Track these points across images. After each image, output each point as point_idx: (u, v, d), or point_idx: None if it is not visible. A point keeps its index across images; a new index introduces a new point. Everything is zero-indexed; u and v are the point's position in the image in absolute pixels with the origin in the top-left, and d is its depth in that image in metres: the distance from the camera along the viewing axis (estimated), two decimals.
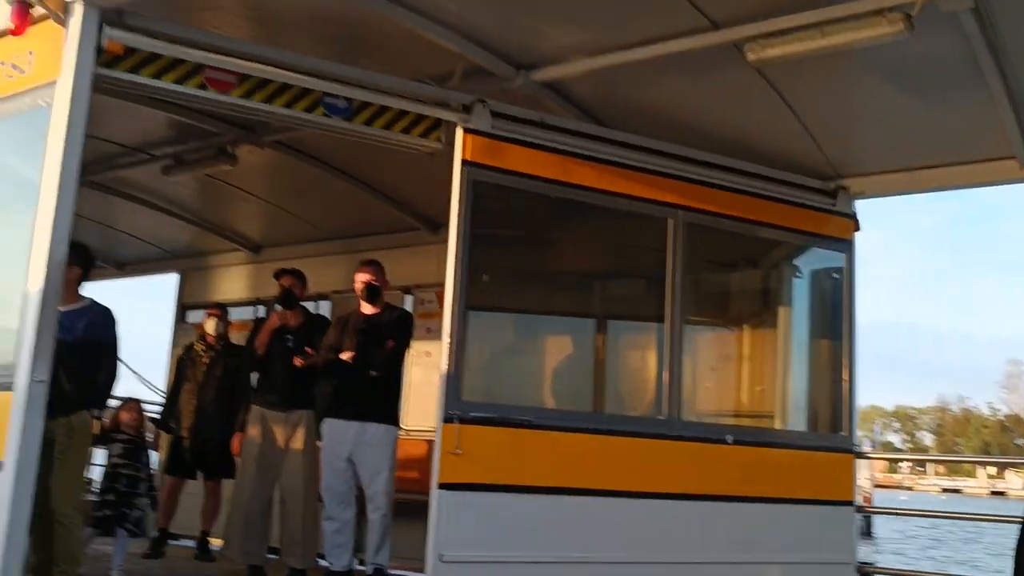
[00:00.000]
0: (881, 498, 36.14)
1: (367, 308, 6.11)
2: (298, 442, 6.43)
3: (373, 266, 6.14)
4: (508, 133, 4.97)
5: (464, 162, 4.85)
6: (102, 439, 6.39)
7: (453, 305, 4.75)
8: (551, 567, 4.61)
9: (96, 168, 7.44)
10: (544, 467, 4.69)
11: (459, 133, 4.88)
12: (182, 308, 9.72)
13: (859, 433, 6.06)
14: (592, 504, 4.68)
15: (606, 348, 5.66)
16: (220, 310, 7.61)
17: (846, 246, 6.13)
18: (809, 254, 6.27)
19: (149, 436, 6.67)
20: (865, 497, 23.07)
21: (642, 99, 5.61)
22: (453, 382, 4.68)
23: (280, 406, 6.43)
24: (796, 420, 6.19)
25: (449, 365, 4.70)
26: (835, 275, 6.13)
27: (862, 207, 6.20)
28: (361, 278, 6.10)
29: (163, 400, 7.85)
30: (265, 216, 8.61)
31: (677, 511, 4.96)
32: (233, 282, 9.25)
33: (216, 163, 6.76)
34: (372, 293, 6.07)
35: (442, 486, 4.59)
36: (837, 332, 6.05)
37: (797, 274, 6.32)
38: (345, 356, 6.04)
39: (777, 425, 6.19)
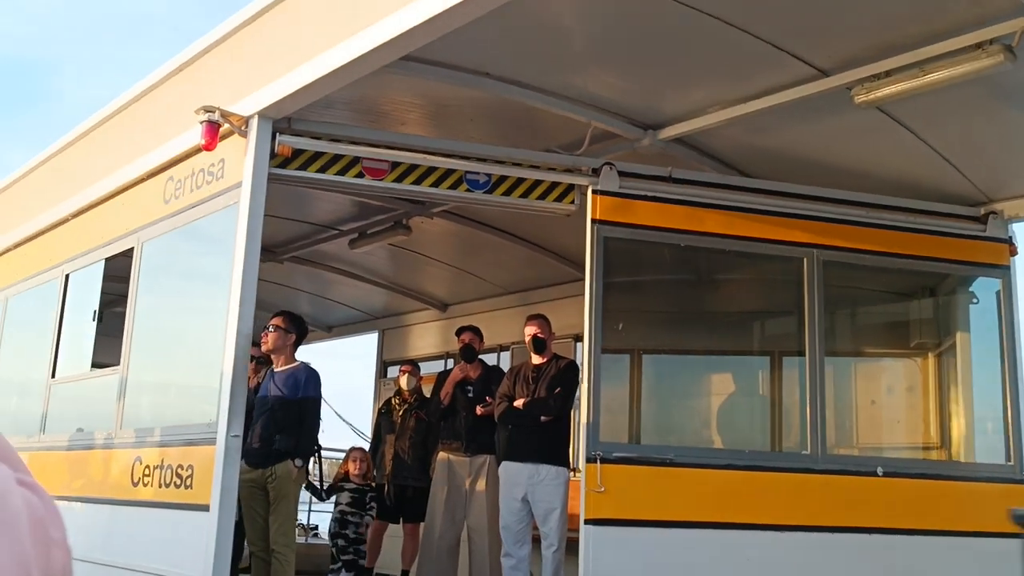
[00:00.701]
0: None
1: (536, 359, 6.60)
2: (481, 484, 6.99)
3: (539, 320, 6.63)
4: (635, 190, 5.36)
5: (594, 221, 5.28)
6: (332, 489, 7.23)
7: (590, 355, 5.16)
8: None
9: (297, 246, 8.43)
10: (685, 503, 4.97)
11: (589, 195, 5.32)
12: (383, 364, 10.61)
13: None
14: (731, 537, 4.90)
15: (751, 386, 5.84)
16: (412, 366, 8.33)
17: (1002, 271, 6.02)
18: (963, 281, 6.20)
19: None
20: None
21: (771, 145, 5.84)
22: (593, 425, 5.07)
23: (464, 451, 7.04)
24: (961, 450, 6.09)
25: (589, 409, 5.10)
26: (990, 300, 6.03)
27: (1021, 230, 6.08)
28: (528, 331, 6.61)
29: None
30: (447, 276, 9.34)
31: (821, 544, 5.07)
32: (425, 338, 10.03)
33: (394, 234, 7.52)
34: (538, 345, 6.56)
35: (588, 522, 4.97)
36: (999, 358, 5.93)
37: (973, 300, 6.23)
38: (517, 404, 6.56)
39: (942, 455, 6.12)
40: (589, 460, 5.05)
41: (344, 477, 6.99)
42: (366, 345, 11.38)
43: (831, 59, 4.80)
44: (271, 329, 5.81)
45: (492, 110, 5.59)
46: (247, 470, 5.37)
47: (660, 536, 4.96)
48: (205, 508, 4.60)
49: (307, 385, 5.84)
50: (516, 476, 6.41)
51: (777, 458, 5.40)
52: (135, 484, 5.30)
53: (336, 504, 7.01)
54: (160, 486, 5.09)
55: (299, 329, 5.92)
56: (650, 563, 4.93)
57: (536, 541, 6.36)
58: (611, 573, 4.92)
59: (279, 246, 8.56)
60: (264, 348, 5.91)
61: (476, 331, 7.30)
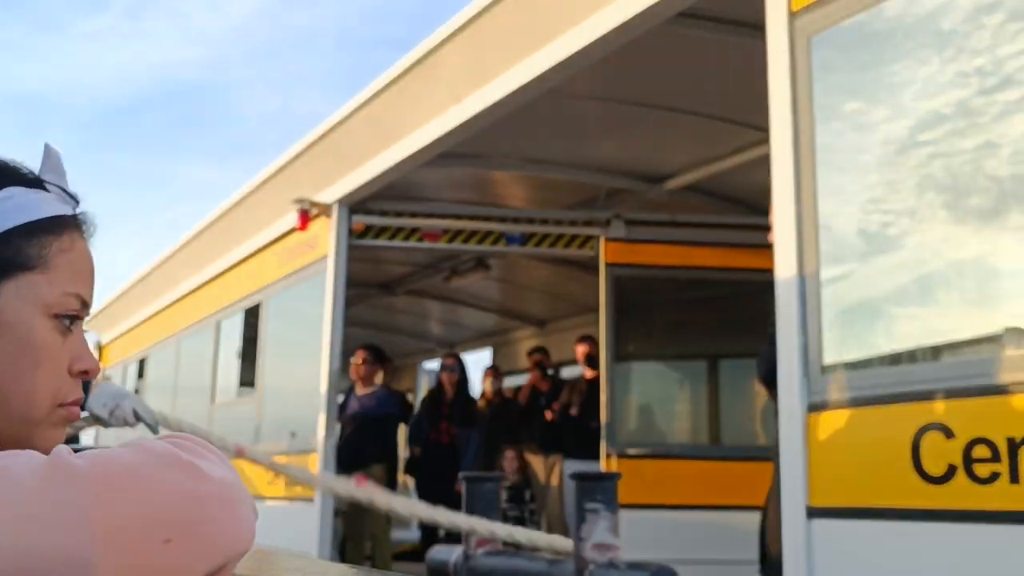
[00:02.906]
0: None
1: (588, 373, 7.93)
2: (555, 477, 8.37)
3: (588, 340, 7.96)
4: (640, 235, 6.61)
5: (607, 264, 6.57)
6: None
7: (607, 371, 6.45)
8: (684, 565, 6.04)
9: (407, 282, 10.03)
10: (679, 489, 6.18)
11: (601, 243, 6.61)
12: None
13: None
14: (715, 516, 6.06)
15: (736, 386, 6.87)
16: (494, 370, 9.76)
17: None
18: None
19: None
20: None
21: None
22: (609, 424, 6.36)
23: (539, 450, 8.44)
24: None
25: (607, 414, 6.39)
26: None
27: None
28: (580, 351, 7.96)
29: None
30: (540, 298, 10.73)
31: None
32: (525, 352, 11.43)
33: (478, 271, 8.98)
34: (590, 362, 7.88)
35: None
36: None
37: None
38: (573, 411, 7.92)
39: None
40: (607, 456, 6.35)
41: (501, 476, 7.76)
42: (482, 359, 12.88)
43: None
44: (360, 361, 7.38)
45: (522, 180, 6.97)
46: (340, 472, 6.94)
47: (659, 515, 6.19)
48: (311, 500, 6.19)
49: (387, 404, 7.39)
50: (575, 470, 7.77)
51: (747, 450, 6.44)
52: (269, 483, 6.98)
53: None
54: (286, 485, 6.73)
55: (378, 358, 7.48)
56: (652, 536, 6.16)
57: None
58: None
59: (394, 282, 10.18)
60: (354, 377, 7.48)
61: (545, 352, 8.71)
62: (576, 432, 7.86)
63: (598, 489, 1.77)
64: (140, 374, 11.14)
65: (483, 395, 9.49)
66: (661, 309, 6.81)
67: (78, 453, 0.75)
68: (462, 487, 7.88)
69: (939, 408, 2.71)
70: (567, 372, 10.41)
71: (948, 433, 2.65)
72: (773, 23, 3.34)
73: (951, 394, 2.68)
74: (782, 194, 3.19)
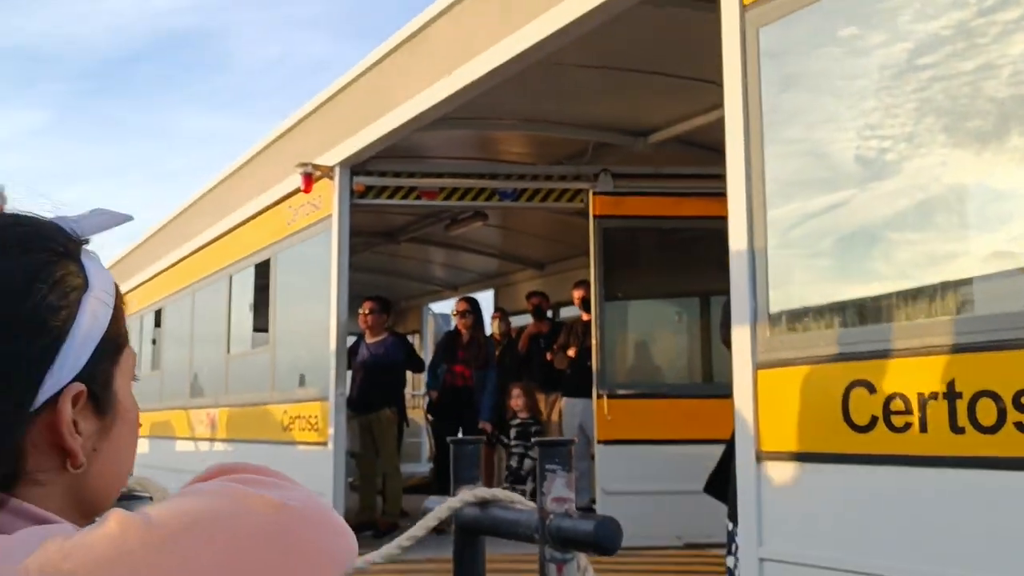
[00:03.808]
0: None
1: (584, 316, 8.36)
2: (556, 415, 8.87)
3: (585, 285, 8.37)
4: (626, 188, 6.97)
5: (595, 217, 6.95)
6: (502, 426, 8.26)
7: (598, 316, 6.88)
8: (668, 496, 6.55)
9: (410, 230, 10.41)
10: (665, 425, 6.66)
11: (590, 196, 6.98)
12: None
13: None
14: (697, 450, 6.53)
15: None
16: (501, 312, 10.21)
17: None
18: None
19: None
20: None
21: None
22: (601, 368, 6.82)
23: (540, 389, 8.91)
24: None
25: (598, 356, 6.84)
26: None
27: None
28: (576, 295, 8.39)
29: None
30: (539, 242, 11.12)
31: None
32: (526, 293, 11.86)
33: (476, 220, 9.36)
34: (586, 305, 8.31)
35: (599, 442, 6.76)
36: None
37: None
38: (570, 353, 8.38)
39: None
40: (598, 397, 6.82)
41: (512, 415, 7.89)
42: (485, 300, 13.31)
43: None
44: (367, 312, 7.82)
45: (515, 137, 7.32)
46: (352, 415, 7.44)
47: (647, 451, 6.68)
48: (325, 444, 6.69)
49: (395, 351, 7.85)
50: (573, 408, 8.25)
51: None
52: (284, 429, 7.48)
53: (508, 441, 7.90)
54: (300, 430, 7.23)
55: (384, 308, 7.92)
56: (640, 471, 6.66)
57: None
58: (615, 479, 6.70)
59: (397, 231, 10.57)
60: (363, 326, 7.93)
61: (543, 295, 9.13)
62: (574, 372, 8.33)
63: (555, 453, 2.19)
64: (156, 323, 11.63)
65: (491, 335, 9.93)
66: (648, 257, 7.21)
67: (140, 506, 0.76)
68: (487, 426, 8.19)
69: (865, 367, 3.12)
70: (565, 312, 10.84)
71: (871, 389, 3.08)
72: None
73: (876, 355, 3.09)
74: (735, 181, 3.56)
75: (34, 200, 0.93)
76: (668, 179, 7.05)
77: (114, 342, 0.87)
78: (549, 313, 9.78)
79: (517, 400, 8.09)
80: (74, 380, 0.81)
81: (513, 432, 7.85)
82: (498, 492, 2.36)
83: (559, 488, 2.18)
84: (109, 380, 0.86)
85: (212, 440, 9.00)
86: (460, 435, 8.35)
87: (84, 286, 0.84)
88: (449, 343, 8.77)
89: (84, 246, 0.88)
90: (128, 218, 0.97)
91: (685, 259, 7.06)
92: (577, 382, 8.15)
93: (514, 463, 7.92)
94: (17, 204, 0.92)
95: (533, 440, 7.82)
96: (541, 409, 8.88)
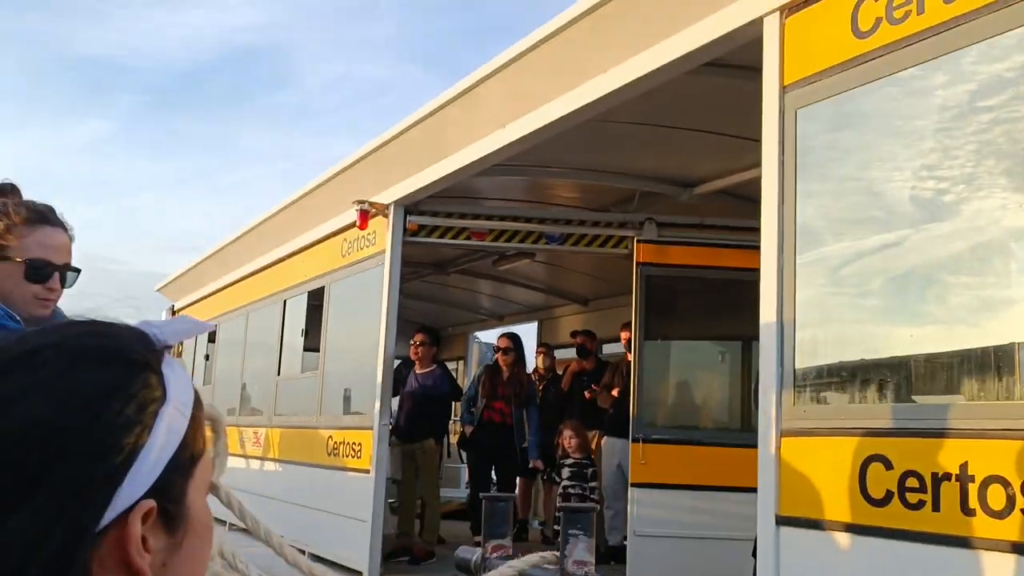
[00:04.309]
0: None
1: (629, 356, 8.52)
2: (594, 453, 9.03)
3: (631, 326, 8.54)
4: (670, 238, 7.16)
5: (638, 264, 7.13)
6: (554, 464, 8.33)
7: (637, 361, 7.05)
8: (698, 541, 6.67)
9: (459, 263, 10.67)
10: (698, 471, 6.80)
11: (635, 244, 7.18)
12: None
13: None
14: (729, 497, 6.66)
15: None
16: (546, 348, 10.41)
17: None
18: None
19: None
20: None
21: None
22: (639, 412, 6.98)
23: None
24: None
25: (635, 401, 7.01)
26: None
27: None
28: (624, 336, 8.56)
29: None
30: (584, 279, 11.32)
31: None
32: (571, 326, 12.06)
33: (523, 258, 9.59)
34: (630, 346, 8.47)
35: (633, 485, 6.91)
36: None
37: None
38: (614, 392, 8.54)
39: None
40: (634, 440, 6.98)
41: (565, 454, 7.96)
42: (529, 332, 13.52)
43: None
44: (418, 343, 8.09)
45: (565, 183, 7.55)
46: (397, 443, 7.68)
47: (679, 496, 6.81)
48: (367, 471, 6.93)
49: (442, 383, 8.09)
50: (613, 447, 8.40)
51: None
52: (329, 454, 7.74)
53: (560, 480, 7.91)
54: (343, 456, 7.49)
55: (433, 339, 8.17)
56: (670, 515, 6.78)
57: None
58: (647, 521, 6.85)
59: (447, 263, 10.84)
60: (413, 356, 8.18)
61: (589, 334, 9.32)
62: (616, 411, 8.49)
63: (579, 519, 2.40)
64: (211, 339, 12.02)
65: (535, 370, 10.10)
66: (689, 305, 7.38)
67: None
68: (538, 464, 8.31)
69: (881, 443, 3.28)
70: (608, 348, 10.99)
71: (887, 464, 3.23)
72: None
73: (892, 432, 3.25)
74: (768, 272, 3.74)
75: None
76: (711, 230, 7.22)
77: (189, 454, 0.84)
78: (594, 353, 9.94)
79: (570, 441, 8.14)
80: (145, 496, 0.78)
81: (567, 473, 7.94)
82: (532, 559, 2.54)
83: (580, 552, 2.38)
84: (182, 495, 0.83)
85: (262, 459, 9.30)
86: (493, 473, 8.55)
87: (163, 398, 0.82)
88: (489, 379, 8.83)
89: (166, 353, 0.86)
90: (211, 327, 1.13)
91: (726, 308, 7.20)
92: (619, 421, 8.30)
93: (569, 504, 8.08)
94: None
95: (590, 483, 7.92)
96: (591, 448, 9.00)
